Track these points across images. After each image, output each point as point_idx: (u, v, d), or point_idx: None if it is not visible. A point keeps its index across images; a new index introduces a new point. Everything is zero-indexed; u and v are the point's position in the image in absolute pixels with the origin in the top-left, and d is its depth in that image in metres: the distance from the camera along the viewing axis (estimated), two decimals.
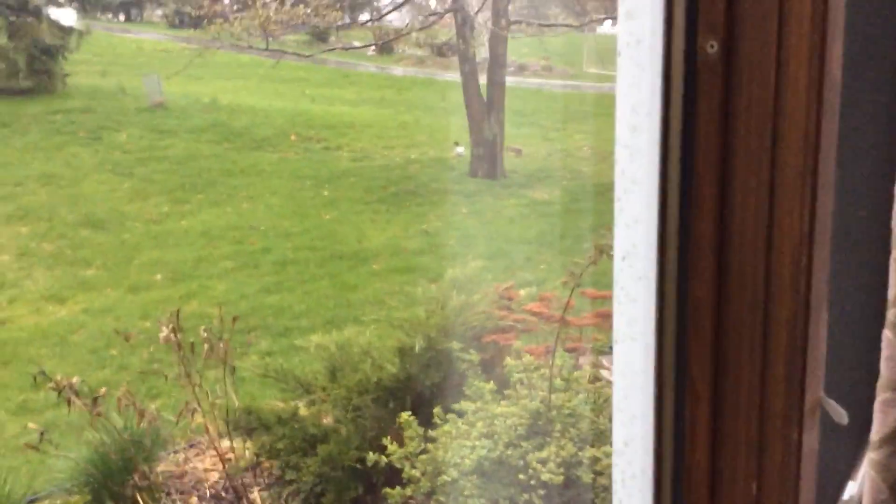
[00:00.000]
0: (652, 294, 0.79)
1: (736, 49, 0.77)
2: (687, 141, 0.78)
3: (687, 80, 0.76)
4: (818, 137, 0.79)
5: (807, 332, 0.84)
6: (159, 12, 24.87)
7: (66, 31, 15.96)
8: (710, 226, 0.80)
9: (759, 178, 0.79)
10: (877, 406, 0.74)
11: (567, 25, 13.07)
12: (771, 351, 0.82)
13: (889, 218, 0.73)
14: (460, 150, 12.79)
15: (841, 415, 0.86)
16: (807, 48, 0.77)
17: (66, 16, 16.87)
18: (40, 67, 15.45)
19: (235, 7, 14.29)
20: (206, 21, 12.86)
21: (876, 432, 0.74)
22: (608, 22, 13.23)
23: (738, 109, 0.79)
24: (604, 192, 9.71)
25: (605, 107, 12.96)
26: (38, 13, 15.61)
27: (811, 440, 0.86)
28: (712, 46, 0.76)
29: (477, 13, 12.00)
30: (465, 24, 11.63)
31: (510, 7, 12.09)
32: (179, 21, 19.22)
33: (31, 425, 4.57)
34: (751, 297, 0.82)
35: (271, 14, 12.05)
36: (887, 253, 0.73)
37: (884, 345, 0.72)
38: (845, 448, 0.98)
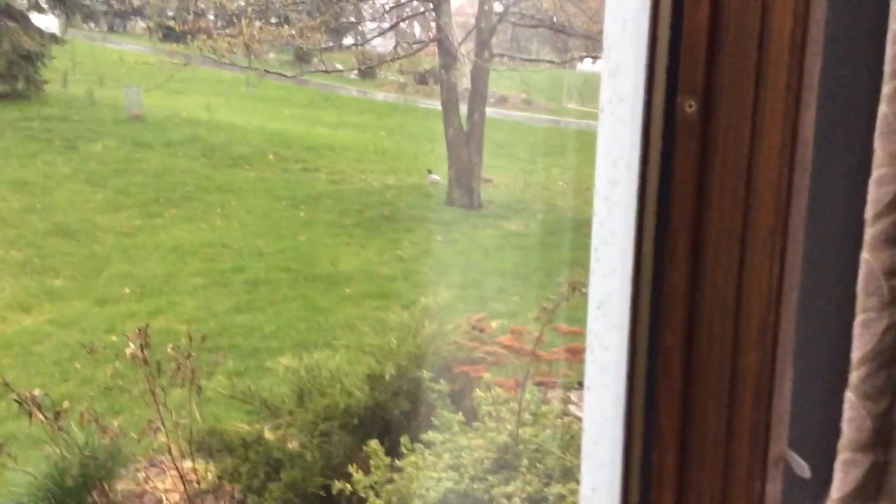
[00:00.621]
0: (624, 343, 0.81)
1: (714, 109, 0.80)
2: (663, 196, 0.80)
3: (665, 138, 0.79)
4: (789, 198, 0.82)
5: (772, 386, 0.86)
6: (143, 25, 24.82)
7: (48, 37, 15.87)
8: (683, 278, 0.82)
9: (731, 235, 0.81)
10: (838, 465, 0.76)
11: (549, 61, 13.25)
12: (737, 402, 0.84)
13: (855, 281, 0.75)
14: (435, 177, 12.85)
15: (803, 468, 0.88)
16: (781, 111, 0.80)
17: (49, 22, 16.79)
18: (19, 73, 15.33)
19: (219, 24, 14.30)
20: (189, 36, 12.86)
21: (836, 490, 0.76)
22: (588, 60, 13.43)
23: (713, 167, 0.81)
24: (578, 227, 9.79)
25: (582, 143, 13.11)
26: (20, 18, 15.52)
27: (774, 492, 0.88)
28: (691, 106, 0.79)
29: (461, 44, 12.12)
30: (448, 54, 11.75)
31: (493, 40, 12.23)
32: (163, 35, 19.21)
33: None
34: (719, 350, 0.84)
35: (255, 33, 12.08)
36: (852, 315, 0.75)
37: (846, 406, 0.75)
38: (806, 501, 1.00)
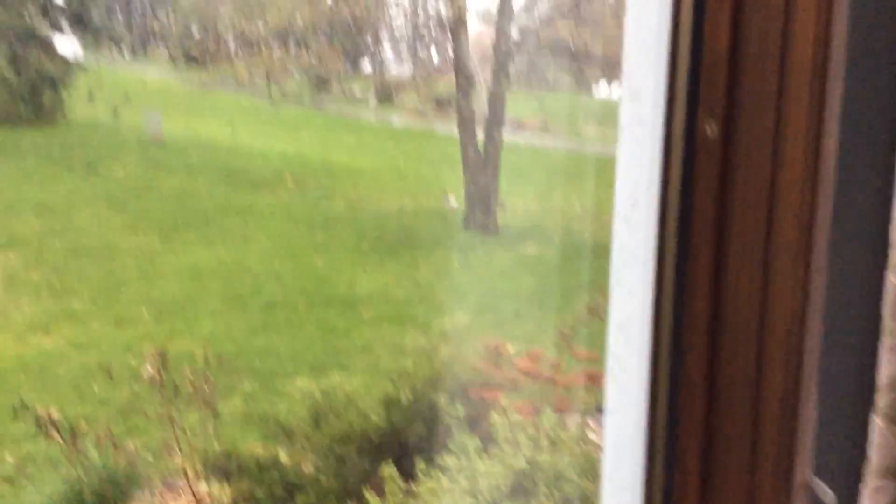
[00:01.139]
0: (645, 366, 0.80)
1: (735, 132, 0.80)
2: (684, 218, 0.80)
3: (686, 160, 0.78)
4: (812, 219, 0.81)
5: (797, 410, 0.85)
6: (164, 50, 25.17)
7: (71, 63, 16.11)
8: (705, 302, 0.82)
9: (753, 258, 0.80)
10: (866, 493, 0.74)
11: (566, 87, 13.29)
12: (761, 427, 0.83)
13: (880, 303, 0.74)
14: (452, 201, 12.88)
15: (829, 496, 0.87)
16: (803, 133, 0.80)
17: (72, 48, 17.05)
18: (41, 98, 15.55)
19: (240, 51, 14.47)
20: (210, 61, 13.01)
21: None
22: (605, 85, 13.46)
23: (735, 190, 0.81)
24: (596, 252, 9.76)
25: (600, 168, 13.09)
26: (44, 44, 15.77)
27: None
28: (712, 129, 0.79)
29: (478, 70, 12.20)
30: (465, 80, 11.82)
31: (510, 66, 12.30)
32: (184, 60, 19.47)
33: (8, 458, 4.50)
34: (742, 373, 0.83)
35: (275, 59, 12.21)
36: (878, 338, 0.74)
37: (873, 431, 0.74)
38: None
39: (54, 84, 15.65)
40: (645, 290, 0.78)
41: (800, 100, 0.78)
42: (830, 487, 0.86)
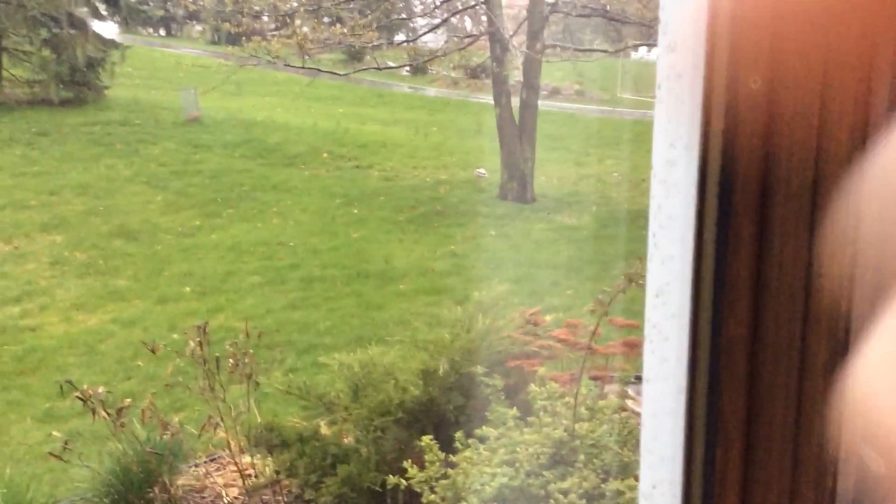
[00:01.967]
0: (685, 333, 0.77)
1: (779, 85, 0.75)
2: (725, 177, 0.76)
3: (728, 116, 0.74)
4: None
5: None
6: (198, 28, 25.29)
7: (108, 44, 16.26)
8: (748, 265, 0.78)
9: (799, 217, 0.76)
10: None
11: (602, 51, 13.07)
12: (806, 394, 0.80)
13: None
14: (481, 171, 12.82)
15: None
16: (852, 87, 0.75)
17: (108, 29, 17.20)
18: (81, 79, 15.75)
19: (273, 25, 14.48)
20: (244, 38, 13.04)
21: None
22: (643, 48, 13.22)
23: (779, 147, 0.77)
24: (634, 219, 9.65)
25: (637, 133, 12.92)
26: (81, 26, 15.93)
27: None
28: (755, 82, 0.74)
29: (512, 36, 12.04)
30: (499, 47, 11.68)
31: (545, 31, 12.12)
32: (218, 37, 19.54)
33: (55, 433, 4.61)
34: (787, 339, 0.79)
35: (308, 33, 12.19)
36: None
37: None
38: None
39: (92, 65, 15.83)
40: (684, 254, 0.75)
41: (848, 49, 0.73)
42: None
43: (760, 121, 0.75)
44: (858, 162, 0.82)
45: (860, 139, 0.73)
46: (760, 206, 0.76)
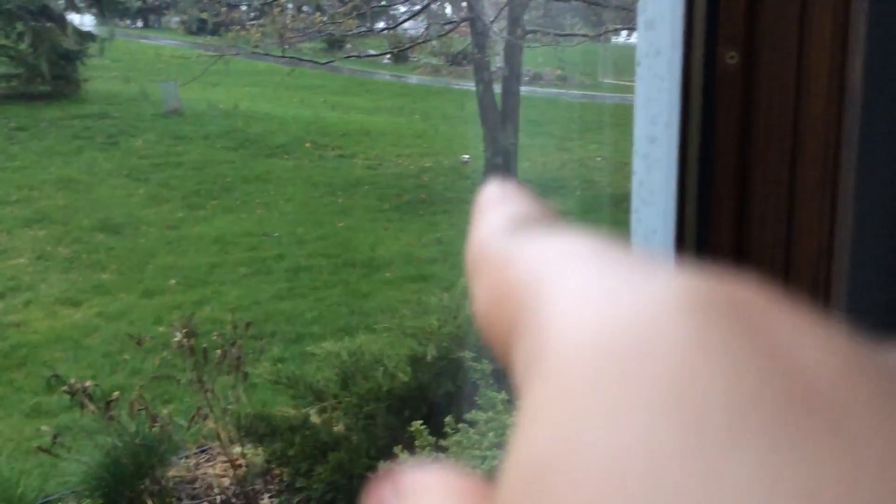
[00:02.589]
0: None
1: (756, 60, 0.76)
2: (706, 153, 0.77)
3: (706, 91, 0.75)
4: (838, 150, 0.78)
5: None
6: (177, 19, 25.06)
7: (85, 36, 16.10)
8: (729, 239, 0.79)
9: (778, 191, 0.78)
10: None
11: (583, 35, 13.07)
12: None
13: None
14: (465, 157, 12.83)
15: None
16: (827, 59, 0.76)
17: (86, 21, 17.03)
18: (59, 73, 15.59)
19: (252, 15, 14.37)
20: (223, 28, 12.95)
21: None
22: (624, 32, 13.22)
23: (757, 121, 0.78)
24: (618, 203, 9.68)
25: (619, 117, 12.94)
26: (58, 19, 15.76)
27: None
28: (732, 57, 0.75)
29: (493, 22, 12.02)
30: (480, 33, 11.66)
31: (526, 16, 12.11)
32: (197, 28, 19.38)
33: (44, 428, 4.60)
34: None
35: (288, 22, 12.11)
36: None
37: None
38: None
39: (71, 58, 15.68)
40: (666, 229, 0.76)
41: (823, 23, 0.74)
42: None
43: (738, 95, 0.76)
44: (836, 132, 0.83)
45: (836, 111, 0.74)
46: (740, 179, 0.77)
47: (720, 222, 0.78)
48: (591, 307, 0.14)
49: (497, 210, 0.22)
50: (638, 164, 0.73)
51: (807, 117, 0.77)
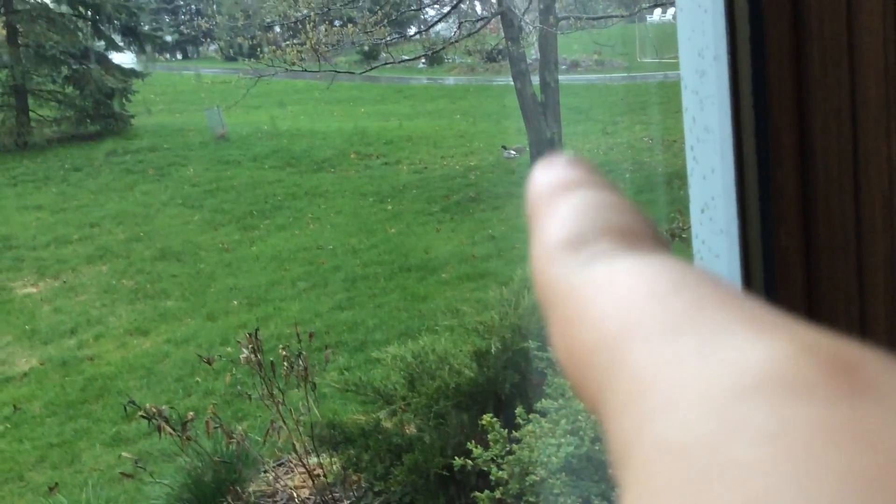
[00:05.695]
0: (735, 248, 0.76)
1: None
2: (759, 85, 0.74)
3: (753, 21, 0.73)
4: None
5: None
6: (214, 47, 25.54)
7: (128, 73, 16.50)
8: (792, 171, 0.76)
9: (839, 116, 0.75)
10: None
11: (617, 16, 12.91)
12: (867, 296, 0.78)
13: None
14: (512, 151, 12.76)
15: None
16: None
17: (127, 59, 17.46)
18: (106, 111, 16.01)
19: (287, 34, 14.56)
20: (259, 50, 13.13)
21: None
22: (657, 10, 13.02)
23: (809, 47, 0.75)
24: (670, 181, 9.53)
25: (662, 96, 12.74)
26: (101, 59, 16.19)
27: None
28: None
29: (524, 13, 11.96)
30: (512, 26, 11.61)
31: (557, 4, 12.02)
32: (234, 53, 19.71)
33: (125, 454, 4.70)
34: (841, 243, 0.78)
35: (321, 37, 12.23)
36: None
37: None
38: None
39: (115, 96, 16.09)
40: (725, 166, 0.73)
41: None
42: None
43: (787, 22, 0.73)
44: (893, 48, 0.80)
45: (893, 24, 0.71)
46: (797, 109, 0.74)
47: (782, 154, 0.75)
48: (689, 391, 0.13)
49: (558, 206, 0.20)
50: (689, 100, 0.71)
51: (861, 35, 0.74)
